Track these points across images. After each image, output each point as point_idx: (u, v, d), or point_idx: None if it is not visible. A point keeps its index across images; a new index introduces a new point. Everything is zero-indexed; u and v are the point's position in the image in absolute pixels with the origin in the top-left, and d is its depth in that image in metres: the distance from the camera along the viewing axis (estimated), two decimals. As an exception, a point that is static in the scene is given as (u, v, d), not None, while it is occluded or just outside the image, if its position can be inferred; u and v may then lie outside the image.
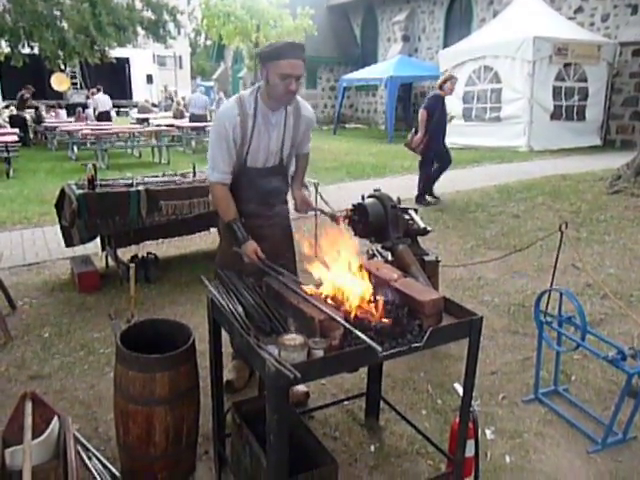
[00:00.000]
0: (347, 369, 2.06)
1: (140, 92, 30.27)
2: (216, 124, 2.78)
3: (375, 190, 3.28)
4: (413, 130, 7.82)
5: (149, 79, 30.91)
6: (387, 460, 2.63)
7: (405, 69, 18.03)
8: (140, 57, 31.00)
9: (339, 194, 7.40)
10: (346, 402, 3.03)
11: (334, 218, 2.92)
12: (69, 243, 4.99)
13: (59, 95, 24.23)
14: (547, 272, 4.75)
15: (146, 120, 17.42)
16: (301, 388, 3.00)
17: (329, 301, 2.08)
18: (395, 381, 3.28)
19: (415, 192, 7.92)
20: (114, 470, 2.44)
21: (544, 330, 3.08)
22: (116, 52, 19.04)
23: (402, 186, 8.60)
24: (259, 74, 2.75)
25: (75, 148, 13.57)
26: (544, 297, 3.08)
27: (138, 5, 16.67)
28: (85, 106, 19.15)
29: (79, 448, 2.38)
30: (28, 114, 16.36)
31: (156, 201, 4.67)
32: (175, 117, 17.85)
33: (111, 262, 5.22)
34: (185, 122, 15.54)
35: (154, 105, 26.53)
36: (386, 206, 3.14)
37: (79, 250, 5.40)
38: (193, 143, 14.65)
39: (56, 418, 2.23)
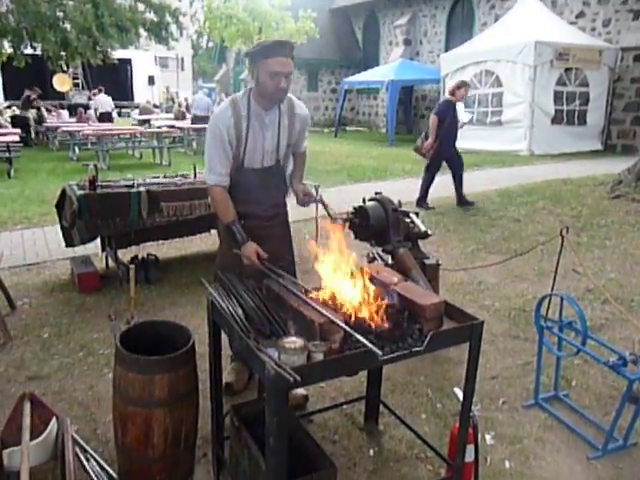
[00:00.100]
0: (347, 373, 2.06)
1: (142, 93, 30.28)
2: (211, 127, 2.78)
3: (376, 193, 3.28)
4: (423, 135, 7.81)
5: (151, 80, 30.90)
6: (386, 464, 2.62)
7: (406, 72, 18.06)
8: (142, 58, 31.01)
9: (340, 197, 7.40)
10: (345, 406, 3.02)
11: (334, 220, 2.90)
12: (69, 243, 4.99)
13: (61, 96, 24.26)
14: (548, 277, 4.74)
15: (147, 121, 17.43)
16: (300, 391, 2.99)
17: (329, 304, 2.08)
18: (395, 385, 3.27)
19: (417, 195, 7.92)
20: (112, 472, 2.42)
21: (545, 335, 3.07)
22: (118, 53, 19.01)
23: (403, 189, 8.61)
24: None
25: (76, 149, 13.59)
26: (545, 302, 3.07)
27: (141, 7, 16.65)
28: (87, 107, 19.17)
29: (77, 449, 2.37)
30: (30, 114, 16.39)
31: (157, 202, 4.67)
32: (176, 118, 17.87)
33: (111, 263, 5.22)
34: (186, 123, 15.55)
35: (155, 106, 26.57)
36: (387, 209, 3.14)
37: (79, 250, 5.40)
38: (194, 144, 14.65)
39: (54, 419, 2.22)
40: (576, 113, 13.96)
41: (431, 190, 7.94)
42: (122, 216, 4.62)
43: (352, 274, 2.14)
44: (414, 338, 1.97)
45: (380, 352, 1.77)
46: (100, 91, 18.73)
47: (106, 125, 15.56)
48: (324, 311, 1.95)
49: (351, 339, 1.88)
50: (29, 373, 3.38)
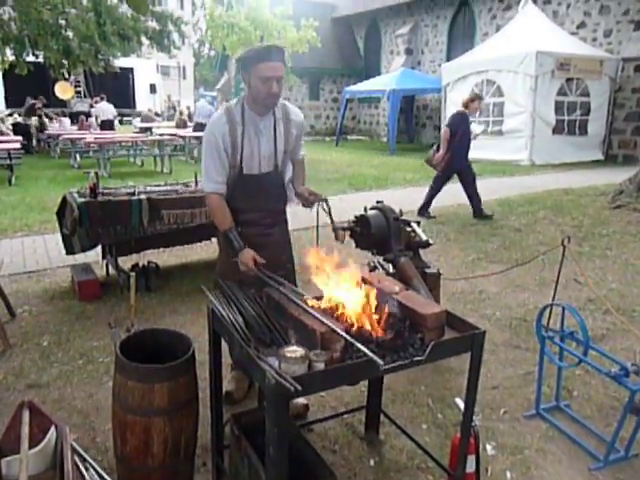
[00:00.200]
0: (348, 382, 2.05)
1: (143, 101, 30.44)
2: (207, 135, 2.81)
3: (378, 202, 3.28)
4: (435, 147, 7.79)
5: (152, 89, 31.04)
6: (387, 475, 2.60)
7: (408, 82, 18.14)
8: (144, 67, 31.20)
9: (341, 206, 7.40)
10: (346, 415, 3.01)
11: (336, 230, 2.90)
12: (70, 251, 4.99)
13: (63, 103, 24.38)
14: (549, 286, 4.73)
15: (149, 129, 17.50)
16: (300, 400, 2.98)
17: (330, 313, 2.07)
18: (395, 394, 3.25)
19: (420, 203, 7.90)
20: (111, 481, 2.41)
21: (546, 345, 3.05)
22: (120, 61, 19.14)
23: (404, 198, 8.63)
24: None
25: (78, 156, 13.63)
26: (546, 311, 3.06)
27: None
28: (88, 114, 19.25)
29: (76, 458, 2.35)
30: (32, 122, 16.46)
31: (158, 210, 4.67)
32: (178, 126, 17.93)
33: (112, 270, 5.21)
34: (187, 132, 15.60)
35: (157, 114, 26.66)
36: (388, 218, 3.14)
37: (80, 258, 5.39)
38: (195, 152, 14.68)
39: (53, 428, 2.21)
40: (577, 123, 14.00)
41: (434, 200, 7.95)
42: (123, 224, 4.62)
43: (353, 283, 2.14)
44: (415, 348, 1.97)
45: (381, 361, 1.77)
46: (102, 99, 18.80)
47: (107, 133, 15.61)
48: (325, 320, 1.94)
49: (352, 348, 1.87)
50: (28, 381, 3.37)
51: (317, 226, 3.61)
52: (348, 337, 1.86)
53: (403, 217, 3.35)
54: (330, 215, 2.81)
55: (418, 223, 3.62)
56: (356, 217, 3.23)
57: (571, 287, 5.00)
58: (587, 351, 2.74)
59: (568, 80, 13.58)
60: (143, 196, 4.70)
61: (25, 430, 2.12)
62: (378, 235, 3.12)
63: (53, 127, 17.30)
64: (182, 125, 17.99)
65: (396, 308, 2.08)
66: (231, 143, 2.74)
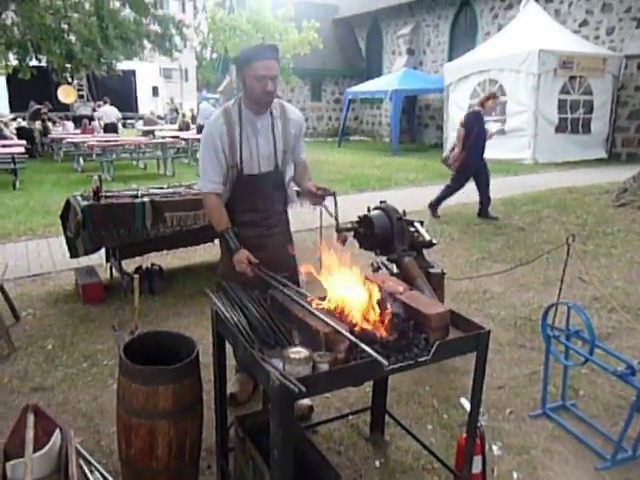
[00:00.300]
0: (352, 383, 2.04)
1: (146, 104, 30.50)
2: (204, 135, 2.83)
3: (381, 202, 3.26)
4: (450, 147, 7.74)
5: (155, 91, 31.13)
6: (392, 476, 2.59)
7: (410, 82, 18.11)
8: (146, 70, 31.25)
9: (344, 206, 7.35)
10: (351, 416, 3.00)
11: (339, 231, 2.87)
12: (74, 254, 4.99)
13: (66, 107, 24.44)
14: (554, 285, 4.71)
15: (152, 132, 17.52)
16: (305, 402, 2.97)
17: (334, 314, 2.06)
18: (400, 395, 3.24)
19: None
20: (116, 484, 2.41)
21: (551, 344, 3.04)
22: (122, 65, 19.18)
23: (407, 198, 8.62)
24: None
25: (81, 160, 13.64)
26: (551, 310, 3.04)
27: (145, 19, 16.80)
28: (91, 118, 19.30)
29: (81, 461, 2.35)
30: (36, 126, 16.52)
31: (161, 212, 4.67)
32: (180, 129, 17.96)
33: (115, 273, 5.21)
34: (190, 134, 15.61)
35: (160, 117, 26.71)
36: (392, 218, 3.12)
37: (84, 261, 5.39)
38: (198, 154, 14.67)
39: (58, 431, 2.21)
40: (580, 121, 13.96)
41: (436, 195, 7.91)
42: (126, 226, 4.63)
43: (357, 283, 2.13)
44: (420, 348, 1.96)
45: (386, 362, 1.76)
46: (106, 102, 18.85)
47: (110, 136, 15.63)
48: (329, 321, 1.93)
49: (356, 349, 1.86)
50: (33, 384, 3.37)
51: (320, 226, 3.60)
52: (352, 338, 1.85)
53: (406, 217, 3.34)
54: (336, 211, 2.75)
55: (421, 223, 3.61)
56: (359, 217, 3.21)
57: (576, 286, 4.98)
58: (593, 350, 2.72)
59: (571, 78, 13.54)
60: (146, 199, 4.70)
61: (30, 434, 2.12)
62: (381, 235, 3.10)
63: (56, 131, 17.35)
64: (185, 127, 18.02)
65: (400, 308, 2.07)
66: (229, 143, 2.75)
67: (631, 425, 2.63)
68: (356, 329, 1.95)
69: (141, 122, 23.17)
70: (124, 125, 26.01)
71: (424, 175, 12.16)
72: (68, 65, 15.73)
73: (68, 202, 4.86)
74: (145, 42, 17.13)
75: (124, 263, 5.09)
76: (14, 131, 16.27)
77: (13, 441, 2.17)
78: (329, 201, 2.83)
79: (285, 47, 16.83)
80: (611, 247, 6.26)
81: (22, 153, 11.67)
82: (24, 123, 18.00)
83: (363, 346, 1.80)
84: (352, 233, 3.19)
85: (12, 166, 11.02)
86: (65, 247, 5.07)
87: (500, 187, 10.04)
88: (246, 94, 2.74)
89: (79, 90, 26.22)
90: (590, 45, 14.27)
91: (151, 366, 2.29)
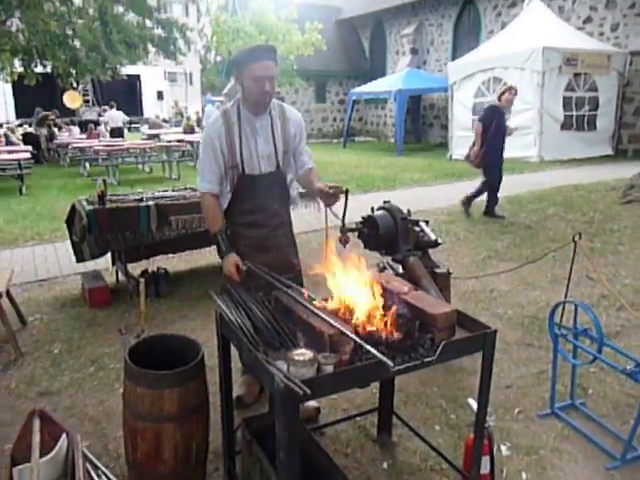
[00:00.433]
0: (358, 385, 2.02)
1: (151, 108, 30.66)
2: (204, 136, 2.88)
3: (385, 202, 3.25)
4: (471, 143, 7.60)
5: (160, 95, 31.28)
6: (400, 477, 2.57)
7: (414, 82, 18.09)
8: (151, 74, 31.42)
9: (349, 206, 7.38)
10: (358, 418, 2.98)
11: (344, 232, 2.84)
12: (80, 258, 5.01)
13: (72, 112, 24.59)
14: (561, 283, 4.67)
15: (157, 136, 17.57)
16: (312, 403, 2.96)
17: (339, 315, 2.05)
18: (408, 396, 3.22)
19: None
20: (123, 488, 2.41)
21: (559, 343, 3.02)
22: (127, 69, 19.24)
23: (412, 198, 8.60)
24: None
25: (87, 164, 13.71)
26: (558, 309, 3.02)
27: (148, 23, 16.85)
28: (97, 123, 19.39)
29: (88, 466, 2.36)
30: (42, 131, 16.62)
31: (166, 216, 4.68)
32: (185, 132, 18.00)
33: (122, 277, 5.22)
34: (195, 137, 15.64)
35: (165, 121, 26.81)
36: (396, 218, 3.11)
37: (90, 265, 5.41)
38: (201, 157, 14.69)
39: (64, 435, 2.21)
40: (586, 118, 13.89)
41: (442, 196, 7.87)
42: (131, 230, 4.64)
43: (362, 284, 2.12)
44: (426, 348, 1.94)
45: (391, 363, 1.74)
46: (112, 107, 18.92)
47: (116, 140, 15.70)
48: (334, 322, 1.92)
49: (361, 350, 1.85)
50: (40, 389, 3.38)
51: (326, 227, 3.59)
52: (357, 339, 1.84)
53: (411, 217, 3.33)
54: (344, 210, 2.67)
55: (427, 222, 3.59)
56: (363, 218, 3.20)
57: (584, 284, 4.95)
58: (601, 348, 2.70)
59: (576, 75, 13.48)
60: (151, 202, 4.71)
61: (36, 438, 2.12)
62: (386, 235, 3.09)
63: (62, 136, 17.44)
64: (189, 131, 18.06)
65: (405, 308, 2.06)
66: (228, 143, 2.76)
67: (641, 424, 2.60)
68: (361, 330, 1.94)
69: (146, 126, 23.24)
70: (129, 129, 26.15)
71: (429, 175, 12.14)
72: (73, 70, 15.80)
73: (73, 207, 4.88)
74: (149, 46, 17.18)
75: (130, 267, 5.11)
76: (20, 137, 16.38)
77: (20, 446, 2.18)
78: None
79: (288, 49, 16.86)
80: (618, 244, 6.22)
81: (28, 159, 11.75)
82: (30, 129, 18.11)
83: (368, 347, 1.79)
84: (356, 233, 3.18)
85: (18, 172, 11.09)
86: (71, 252, 5.08)
87: (506, 185, 9.95)
88: (244, 95, 2.75)
89: (84, 95, 26.40)
90: (594, 42, 14.21)
91: (156, 370, 2.28)
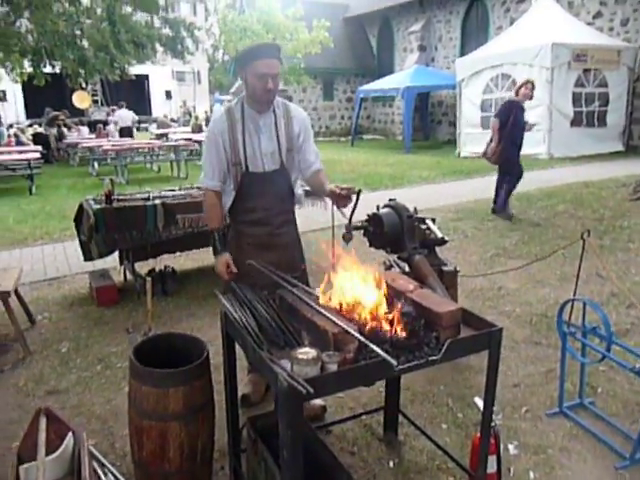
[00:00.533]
0: (361, 383, 2.01)
1: (159, 108, 30.78)
2: (207, 134, 2.90)
3: (390, 200, 3.23)
4: (489, 139, 7.46)
5: (168, 95, 31.36)
6: (407, 476, 2.56)
7: (422, 79, 18.00)
8: (159, 73, 31.53)
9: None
10: (364, 416, 2.97)
11: (348, 231, 2.80)
12: (88, 257, 5.03)
13: (81, 112, 24.71)
14: (570, 281, 4.64)
15: (165, 135, 17.63)
16: (318, 402, 2.95)
17: (343, 314, 2.04)
18: (414, 394, 3.21)
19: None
20: (129, 486, 2.41)
21: (568, 341, 2.99)
22: (135, 69, 19.30)
23: (420, 196, 8.56)
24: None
25: (96, 164, 13.77)
26: (567, 307, 2.99)
27: (156, 22, 16.91)
28: (106, 122, 19.48)
29: (95, 464, 2.36)
30: (52, 131, 16.73)
31: (173, 214, 4.69)
32: (193, 131, 18.03)
33: (129, 276, 5.24)
34: (203, 136, 15.66)
35: (173, 120, 26.88)
36: (401, 216, 3.09)
37: (98, 264, 5.43)
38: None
39: (70, 434, 2.22)
40: (596, 114, 13.77)
41: (450, 193, 7.81)
42: (138, 229, 4.66)
43: (367, 282, 2.10)
44: (430, 347, 1.93)
45: (395, 362, 1.73)
46: (121, 107, 19.00)
47: (124, 140, 15.76)
48: (338, 321, 1.91)
49: (366, 349, 1.84)
50: (48, 387, 3.40)
51: (333, 226, 3.58)
52: (361, 337, 1.83)
53: (418, 215, 3.30)
54: (353, 209, 2.63)
55: (433, 220, 3.56)
56: (368, 216, 3.18)
57: (593, 281, 4.90)
58: (610, 347, 2.67)
59: (585, 71, 13.36)
60: (158, 201, 4.73)
61: (42, 437, 2.13)
62: (391, 233, 3.07)
63: (72, 136, 17.54)
64: (197, 130, 18.10)
65: (410, 307, 2.04)
66: (231, 140, 2.76)
67: (650, 422, 2.57)
68: (365, 329, 1.93)
69: (155, 125, 23.32)
70: (138, 128, 26.25)
71: (437, 172, 12.09)
72: (82, 70, 15.88)
73: (81, 206, 4.91)
74: (157, 46, 17.24)
75: (137, 265, 5.12)
76: (30, 137, 16.49)
77: (26, 444, 2.19)
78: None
79: (296, 47, 16.85)
80: (629, 241, 6.16)
81: (38, 158, 11.82)
82: (40, 129, 18.24)
83: (372, 346, 1.78)
84: (362, 232, 3.17)
85: (28, 171, 11.17)
86: (80, 250, 5.10)
87: (514, 183, 9.95)
88: (248, 92, 2.75)
89: (93, 95, 26.51)
90: (604, 37, 14.08)
91: (161, 369, 2.29)
